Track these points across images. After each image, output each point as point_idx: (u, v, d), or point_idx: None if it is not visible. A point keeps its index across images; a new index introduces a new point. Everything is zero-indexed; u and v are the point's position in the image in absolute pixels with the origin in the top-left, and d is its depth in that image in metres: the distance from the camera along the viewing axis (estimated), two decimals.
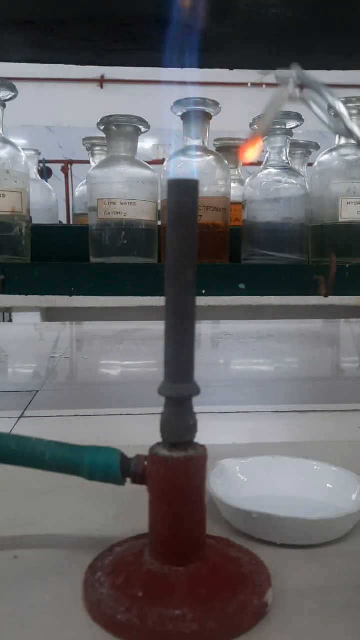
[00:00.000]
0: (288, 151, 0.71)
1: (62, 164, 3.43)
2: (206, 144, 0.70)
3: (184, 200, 0.26)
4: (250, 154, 0.30)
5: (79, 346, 1.55)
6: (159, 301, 0.64)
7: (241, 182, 0.88)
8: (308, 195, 0.70)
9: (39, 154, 1.02)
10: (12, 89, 0.65)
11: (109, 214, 0.66)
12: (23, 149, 0.68)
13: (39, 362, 1.25)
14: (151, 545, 0.30)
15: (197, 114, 0.67)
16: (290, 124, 0.70)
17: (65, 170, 3.44)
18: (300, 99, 0.28)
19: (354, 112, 0.67)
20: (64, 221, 2.35)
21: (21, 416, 0.77)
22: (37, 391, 0.92)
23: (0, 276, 0.61)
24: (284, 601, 0.29)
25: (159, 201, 0.69)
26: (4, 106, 0.66)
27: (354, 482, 0.39)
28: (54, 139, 4.14)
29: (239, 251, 0.71)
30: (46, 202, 0.99)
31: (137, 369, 1.20)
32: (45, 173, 2.90)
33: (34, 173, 0.95)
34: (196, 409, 0.29)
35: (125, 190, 0.66)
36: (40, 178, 1.04)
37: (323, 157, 0.70)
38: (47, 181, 1.13)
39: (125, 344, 1.45)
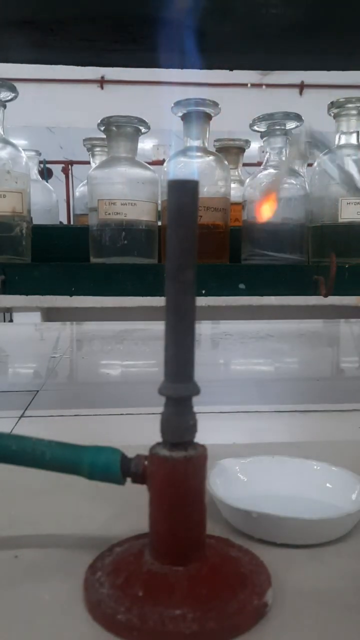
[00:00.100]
0: (288, 151, 0.71)
1: (63, 165, 3.43)
2: (206, 144, 0.70)
3: (184, 201, 0.26)
4: (266, 211, 0.30)
5: (79, 346, 1.55)
6: (159, 301, 0.64)
7: (241, 182, 0.88)
8: (308, 195, 0.70)
9: (40, 154, 1.02)
10: (13, 89, 0.65)
11: (109, 214, 0.66)
12: (23, 150, 0.68)
13: (39, 362, 1.25)
14: (151, 545, 0.30)
15: (197, 115, 0.67)
16: (290, 125, 0.70)
17: (65, 171, 3.44)
18: (310, 155, 0.28)
19: (354, 112, 0.67)
20: (65, 221, 2.35)
21: (22, 416, 0.77)
22: (38, 391, 0.92)
23: (1, 276, 0.61)
24: (284, 601, 0.29)
25: (159, 202, 0.70)
26: (5, 107, 0.66)
27: (354, 482, 0.39)
28: (54, 139, 4.14)
29: (239, 251, 0.71)
30: (47, 203, 0.99)
31: (137, 369, 1.20)
32: (45, 173, 2.90)
33: (34, 173, 0.95)
34: (196, 408, 0.29)
35: (125, 190, 0.66)
36: (40, 178, 1.04)
37: (323, 158, 0.70)
38: (47, 182, 1.13)
39: (125, 344, 1.45)
